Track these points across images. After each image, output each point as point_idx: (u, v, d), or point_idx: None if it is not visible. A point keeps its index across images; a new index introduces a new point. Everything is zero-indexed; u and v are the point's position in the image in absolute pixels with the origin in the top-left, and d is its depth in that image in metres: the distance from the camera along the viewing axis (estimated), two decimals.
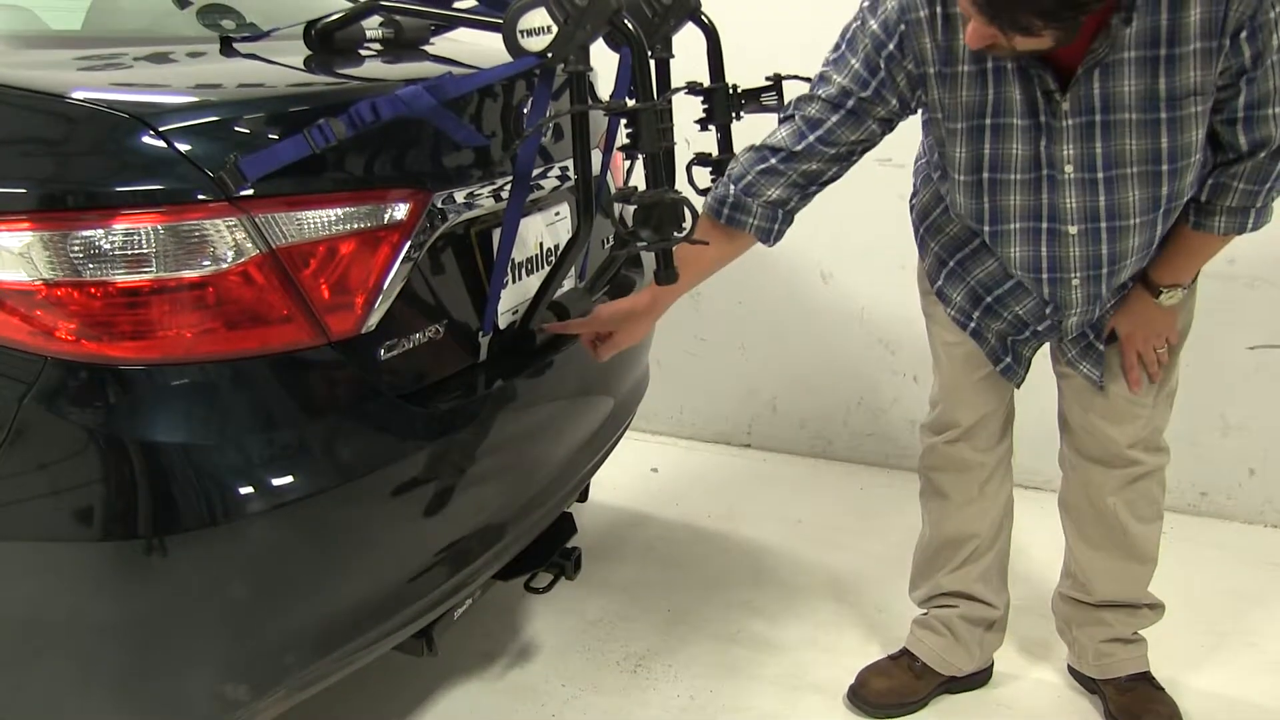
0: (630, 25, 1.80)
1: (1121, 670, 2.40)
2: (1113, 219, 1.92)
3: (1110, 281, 2.01)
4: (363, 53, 2.16)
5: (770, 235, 2.05)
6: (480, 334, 1.95)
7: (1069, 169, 1.89)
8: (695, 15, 2.18)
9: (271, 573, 1.60)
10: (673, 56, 2.17)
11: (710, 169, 2.18)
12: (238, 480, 1.54)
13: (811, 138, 1.97)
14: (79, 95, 1.54)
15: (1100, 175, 1.88)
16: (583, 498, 2.72)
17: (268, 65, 2.00)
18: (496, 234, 1.97)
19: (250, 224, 1.54)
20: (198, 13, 2.51)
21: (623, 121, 1.84)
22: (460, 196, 1.85)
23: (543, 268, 2.14)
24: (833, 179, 2.05)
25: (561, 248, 2.20)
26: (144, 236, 1.47)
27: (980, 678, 2.53)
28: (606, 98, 2.11)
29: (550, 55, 1.77)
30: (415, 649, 1.96)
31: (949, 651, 2.46)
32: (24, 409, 1.47)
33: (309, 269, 1.61)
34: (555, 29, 1.76)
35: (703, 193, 2.17)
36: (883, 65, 1.91)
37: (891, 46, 1.89)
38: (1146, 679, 2.41)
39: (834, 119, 1.96)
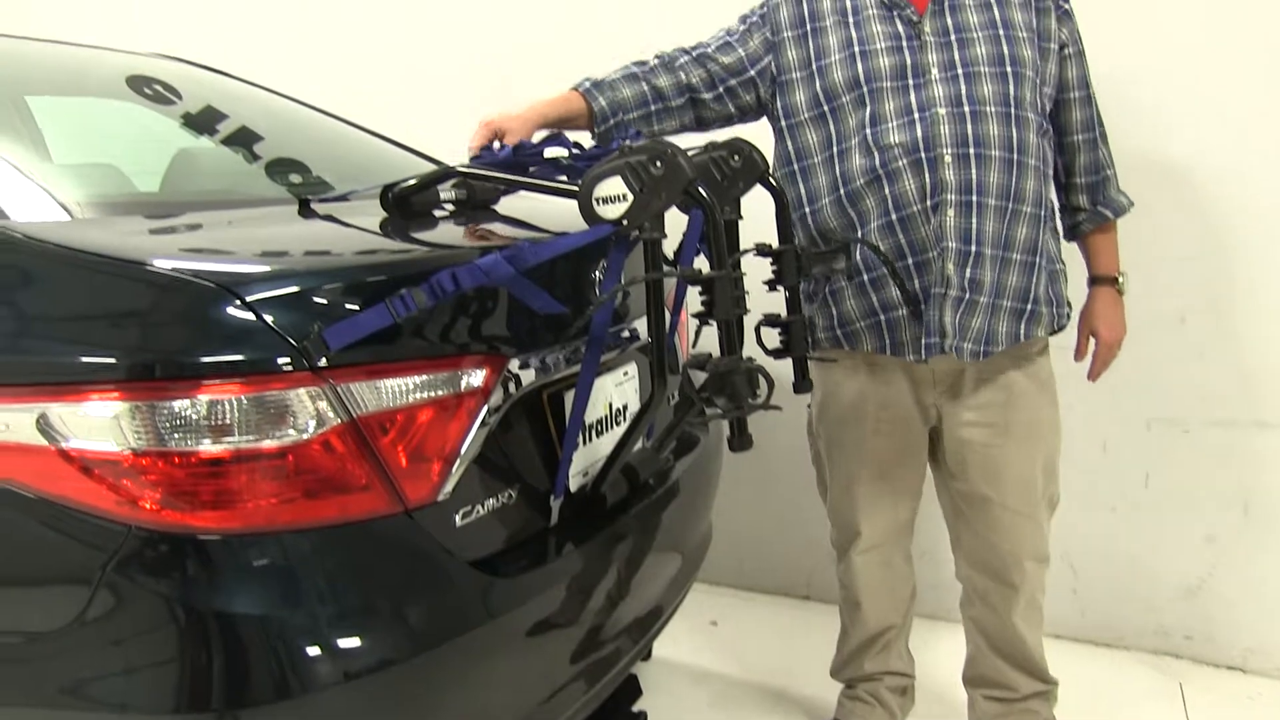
0: (705, 193, 1.83)
1: None
2: (973, 104, 2.29)
3: (980, 171, 2.27)
4: (437, 214, 2.19)
5: None
6: (551, 497, 1.94)
7: (935, 71, 2.32)
8: (764, 178, 2.21)
9: None
10: (741, 218, 2.20)
11: (779, 330, 2.19)
12: (312, 652, 1.52)
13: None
14: (167, 265, 1.56)
15: (960, 72, 2.31)
16: (645, 655, 2.68)
17: (347, 230, 2.03)
18: (568, 396, 1.97)
19: (332, 393, 1.55)
20: (266, 167, 2.57)
21: (698, 288, 1.86)
22: (534, 361, 1.86)
23: (612, 428, 2.14)
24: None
25: (630, 407, 2.21)
26: (229, 406, 1.48)
27: None
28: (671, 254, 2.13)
29: (626, 223, 1.80)
30: None
31: (878, 717, 2.78)
32: (105, 577, 1.47)
33: (388, 437, 1.61)
34: (630, 197, 1.79)
35: (771, 353, 2.18)
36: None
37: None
38: None
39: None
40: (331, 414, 1.55)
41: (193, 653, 1.48)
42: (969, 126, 2.28)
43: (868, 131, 2.35)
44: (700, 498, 2.52)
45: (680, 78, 2.50)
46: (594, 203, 1.81)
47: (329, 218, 2.10)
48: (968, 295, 2.31)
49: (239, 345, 1.50)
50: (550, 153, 2.21)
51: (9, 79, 2.53)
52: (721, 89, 2.51)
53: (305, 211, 2.11)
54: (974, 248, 2.29)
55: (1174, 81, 3.08)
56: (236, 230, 1.98)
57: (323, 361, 1.53)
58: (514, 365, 1.81)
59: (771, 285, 2.21)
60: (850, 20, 2.42)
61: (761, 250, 2.17)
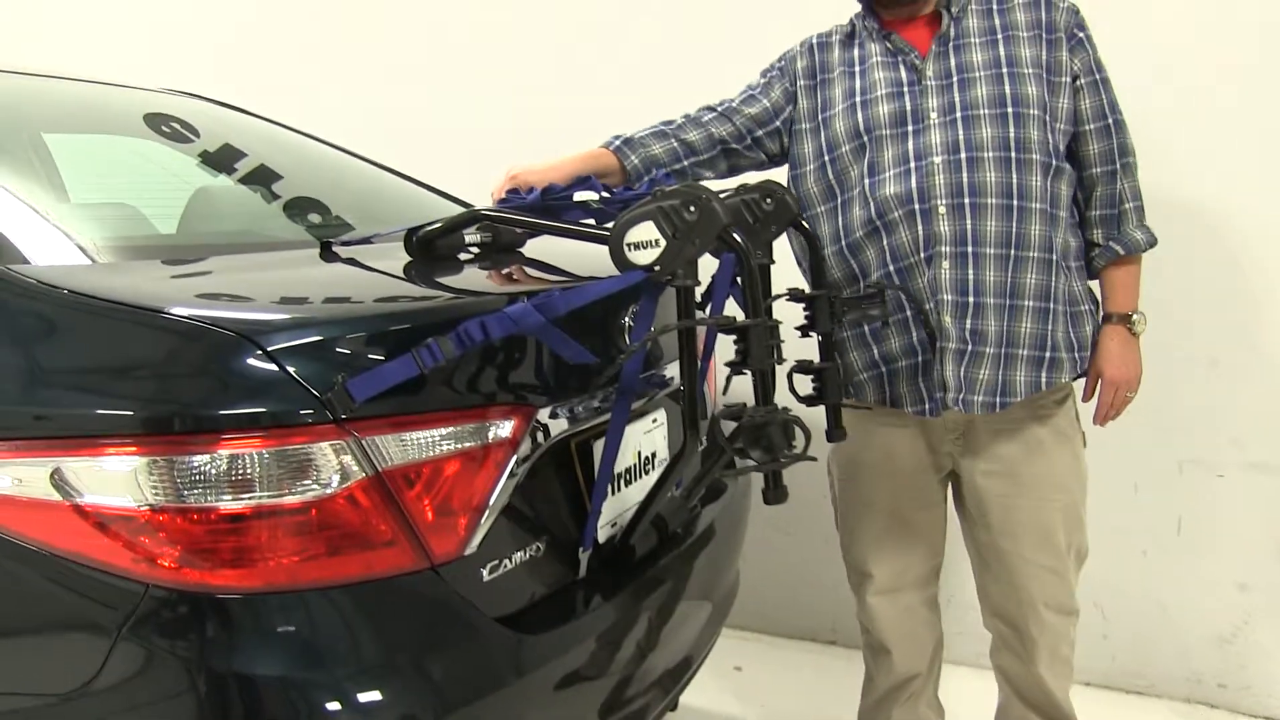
0: (739, 240, 1.78)
1: None
2: (970, 150, 2.24)
3: (976, 220, 2.22)
4: (462, 258, 2.15)
5: None
6: (580, 549, 1.88)
7: (934, 116, 2.28)
8: (797, 222, 2.16)
9: None
10: (773, 262, 2.15)
11: (812, 376, 2.14)
12: (337, 714, 1.46)
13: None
14: (185, 312, 1.50)
15: (959, 116, 2.27)
16: (672, 705, 2.62)
17: (371, 275, 1.98)
18: (596, 445, 1.92)
19: (356, 446, 1.49)
20: (285, 207, 2.52)
21: (731, 336, 1.81)
22: (563, 411, 1.81)
23: (641, 477, 2.09)
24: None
25: (659, 455, 2.16)
26: (250, 461, 1.43)
27: None
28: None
29: (658, 269, 1.75)
30: None
31: None
32: (121, 639, 1.42)
33: (413, 491, 1.56)
34: (663, 242, 1.74)
35: (803, 400, 2.12)
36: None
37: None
38: None
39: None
40: (356, 468, 1.50)
41: (213, 717, 1.43)
42: (964, 175, 2.24)
43: (866, 182, 2.32)
44: (728, 546, 2.47)
45: (710, 132, 2.49)
46: (625, 248, 1.76)
47: (352, 261, 2.05)
48: (970, 347, 2.26)
49: (260, 397, 1.45)
50: (580, 196, 2.17)
51: (26, 116, 2.50)
52: (750, 139, 2.49)
53: (327, 255, 2.06)
54: (973, 299, 2.24)
55: (1205, 120, 3.04)
56: (257, 275, 1.92)
57: (345, 414, 1.48)
58: (543, 415, 1.77)
59: (804, 331, 2.16)
60: (856, 70, 2.41)
61: (794, 296, 2.12)
